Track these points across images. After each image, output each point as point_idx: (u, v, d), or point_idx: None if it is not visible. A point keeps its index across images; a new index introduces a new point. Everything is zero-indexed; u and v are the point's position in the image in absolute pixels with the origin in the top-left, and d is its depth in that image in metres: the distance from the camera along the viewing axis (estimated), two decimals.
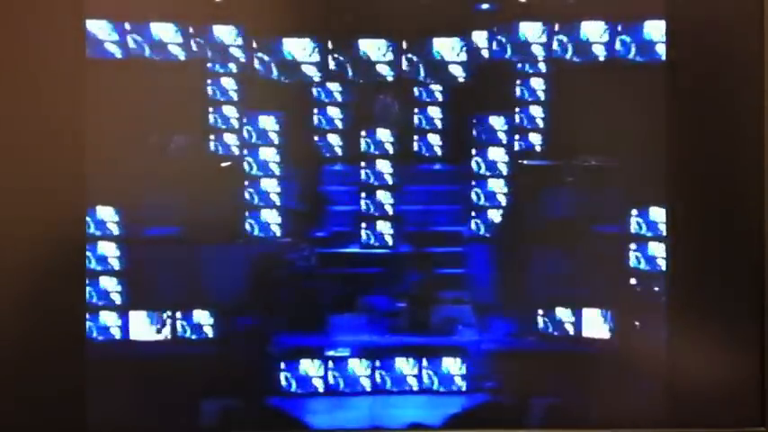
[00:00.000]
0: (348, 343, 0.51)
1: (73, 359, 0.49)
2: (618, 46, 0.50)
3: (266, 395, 0.50)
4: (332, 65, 0.51)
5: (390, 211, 0.51)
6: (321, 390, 0.51)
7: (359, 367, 0.51)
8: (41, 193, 0.48)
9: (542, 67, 0.51)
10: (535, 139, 0.51)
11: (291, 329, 0.50)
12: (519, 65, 0.51)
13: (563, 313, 0.51)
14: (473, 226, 0.51)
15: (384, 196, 0.51)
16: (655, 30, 0.50)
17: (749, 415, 0.50)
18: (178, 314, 0.50)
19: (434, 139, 0.51)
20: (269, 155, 0.51)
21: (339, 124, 0.51)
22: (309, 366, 0.51)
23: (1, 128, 0.48)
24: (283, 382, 0.50)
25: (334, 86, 0.51)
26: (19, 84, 0.48)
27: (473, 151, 0.51)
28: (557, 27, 0.50)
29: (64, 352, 0.48)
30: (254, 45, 0.50)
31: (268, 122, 0.51)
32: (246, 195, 0.50)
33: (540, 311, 0.51)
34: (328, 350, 0.51)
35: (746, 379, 0.50)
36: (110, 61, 0.49)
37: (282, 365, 0.50)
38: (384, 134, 0.51)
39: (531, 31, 0.50)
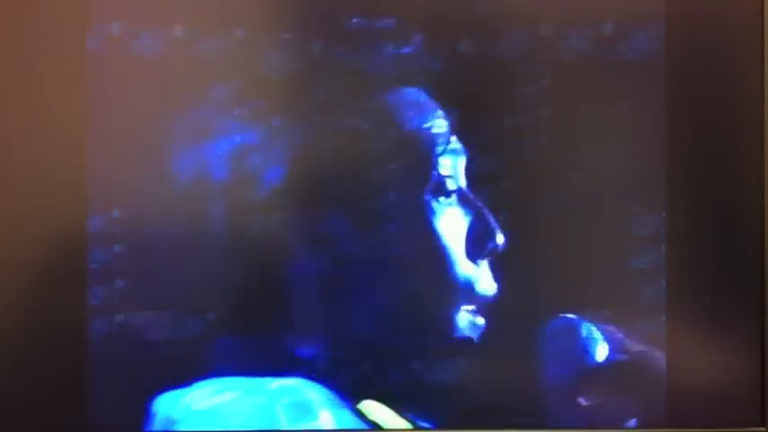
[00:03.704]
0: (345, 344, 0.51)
1: (73, 360, 0.48)
2: (617, 46, 0.50)
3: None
4: (333, 63, 0.51)
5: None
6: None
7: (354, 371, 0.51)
8: (42, 193, 0.48)
9: (541, 67, 0.51)
10: (533, 139, 0.51)
11: (288, 332, 0.50)
12: (517, 64, 0.51)
13: (562, 312, 0.51)
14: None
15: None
16: (655, 31, 0.50)
17: (749, 415, 0.50)
18: (180, 315, 0.50)
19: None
20: (269, 155, 0.51)
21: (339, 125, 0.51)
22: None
23: (1, 127, 0.48)
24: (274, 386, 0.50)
25: (335, 86, 0.51)
26: (19, 83, 0.48)
27: (471, 152, 0.51)
28: (556, 27, 0.50)
29: (64, 353, 0.48)
30: (257, 45, 0.50)
31: (269, 124, 0.51)
32: (247, 195, 0.50)
33: (539, 311, 0.51)
34: (324, 352, 0.51)
35: (746, 379, 0.50)
36: (111, 60, 0.49)
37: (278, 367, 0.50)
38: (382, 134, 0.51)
39: (529, 31, 0.50)
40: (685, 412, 0.50)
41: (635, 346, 0.50)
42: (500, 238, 0.49)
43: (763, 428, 0.50)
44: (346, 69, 0.50)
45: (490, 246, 0.49)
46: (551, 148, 0.50)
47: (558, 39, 0.50)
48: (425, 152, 0.50)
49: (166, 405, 0.49)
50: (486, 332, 0.50)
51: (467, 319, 0.50)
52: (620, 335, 0.50)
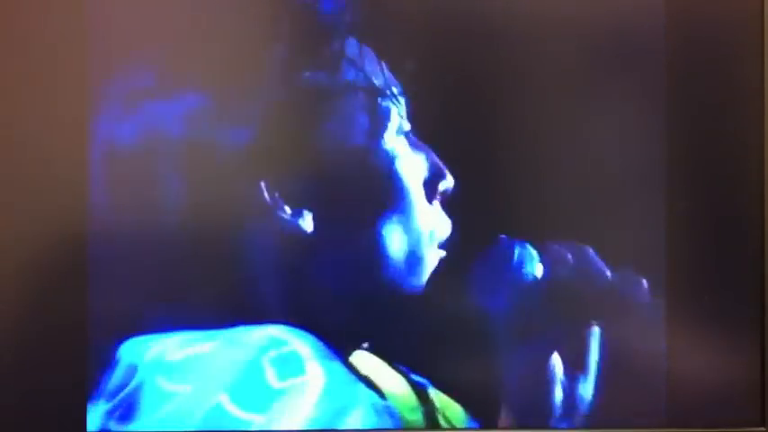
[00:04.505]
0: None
1: (74, 361, 0.49)
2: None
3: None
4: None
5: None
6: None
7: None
8: (42, 193, 0.48)
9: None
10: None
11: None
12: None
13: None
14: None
15: None
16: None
17: (749, 415, 0.50)
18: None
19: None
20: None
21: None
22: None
23: (1, 127, 0.48)
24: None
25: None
26: (19, 83, 0.49)
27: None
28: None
29: (64, 354, 0.48)
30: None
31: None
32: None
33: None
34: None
35: (746, 379, 0.50)
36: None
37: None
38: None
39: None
40: (685, 412, 0.50)
41: (635, 346, 0.50)
42: (449, 180, 0.49)
43: (763, 428, 0.50)
44: (295, 26, 0.49)
45: (441, 187, 0.50)
46: (548, 146, 0.50)
47: (557, 38, 0.50)
48: (375, 99, 0.50)
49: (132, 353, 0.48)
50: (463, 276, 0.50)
51: (435, 259, 0.50)
52: (620, 334, 0.50)
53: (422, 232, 0.50)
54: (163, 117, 0.49)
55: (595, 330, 0.50)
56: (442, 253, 0.50)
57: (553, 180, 0.50)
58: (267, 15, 0.50)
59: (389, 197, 0.50)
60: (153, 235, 0.49)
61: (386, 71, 0.50)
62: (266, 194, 0.49)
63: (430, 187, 0.50)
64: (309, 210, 0.49)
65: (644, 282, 0.50)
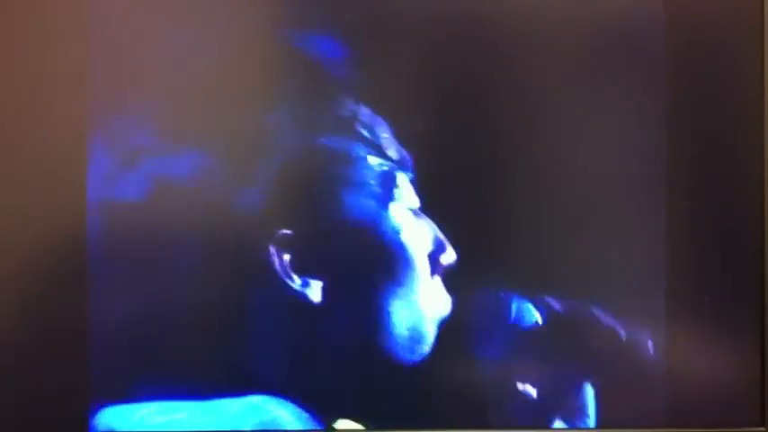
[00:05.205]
0: None
1: (74, 361, 0.49)
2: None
3: None
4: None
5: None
6: None
7: None
8: (42, 193, 0.48)
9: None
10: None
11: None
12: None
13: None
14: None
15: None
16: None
17: (749, 415, 0.50)
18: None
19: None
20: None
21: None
22: None
23: (1, 127, 0.48)
24: None
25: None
26: (19, 83, 0.49)
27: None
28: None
29: (65, 355, 0.48)
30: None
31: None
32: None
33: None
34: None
35: (746, 379, 0.50)
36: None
37: None
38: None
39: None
40: (685, 412, 0.50)
41: (635, 346, 0.50)
42: (451, 254, 0.49)
43: (762, 428, 0.50)
44: (303, 90, 0.49)
45: (443, 261, 0.49)
46: (548, 147, 0.50)
47: (558, 38, 0.50)
48: (385, 169, 0.49)
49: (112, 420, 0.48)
50: (462, 345, 0.50)
51: (430, 334, 0.50)
52: (620, 334, 0.50)
53: (422, 307, 0.49)
54: (167, 174, 0.49)
55: (596, 331, 0.50)
56: (439, 328, 0.49)
57: (552, 182, 0.50)
58: (275, 77, 0.49)
59: (393, 270, 0.50)
60: (151, 305, 0.49)
61: (396, 141, 0.49)
62: (276, 260, 0.49)
63: (433, 261, 0.50)
64: (316, 279, 0.49)
65: (644, 282, 0.50)
